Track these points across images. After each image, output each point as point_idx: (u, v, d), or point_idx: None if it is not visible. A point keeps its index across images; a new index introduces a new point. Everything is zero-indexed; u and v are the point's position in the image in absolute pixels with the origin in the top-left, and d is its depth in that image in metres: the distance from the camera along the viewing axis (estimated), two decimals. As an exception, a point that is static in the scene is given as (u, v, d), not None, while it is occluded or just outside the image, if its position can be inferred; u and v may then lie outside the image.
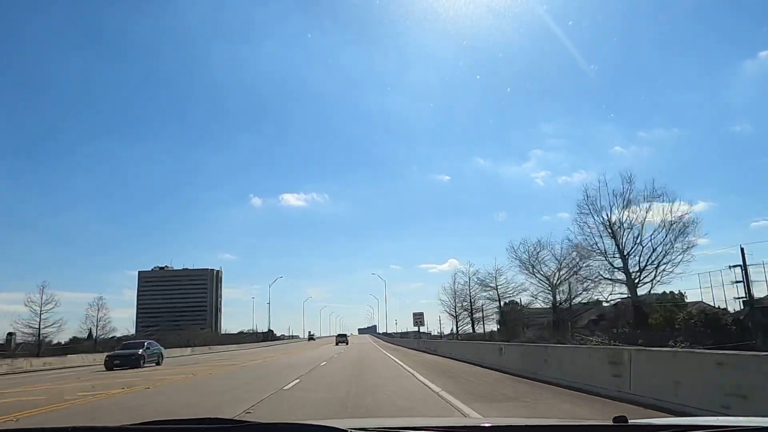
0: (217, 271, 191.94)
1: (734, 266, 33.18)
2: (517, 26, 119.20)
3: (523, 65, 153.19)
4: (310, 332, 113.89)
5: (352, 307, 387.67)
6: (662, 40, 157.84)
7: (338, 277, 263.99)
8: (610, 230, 32.93)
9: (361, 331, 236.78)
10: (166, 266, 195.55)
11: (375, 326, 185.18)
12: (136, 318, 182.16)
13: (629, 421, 2.06)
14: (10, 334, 56.82)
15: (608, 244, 33.33)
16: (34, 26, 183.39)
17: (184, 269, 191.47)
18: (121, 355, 27.20)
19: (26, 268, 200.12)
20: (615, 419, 2.07)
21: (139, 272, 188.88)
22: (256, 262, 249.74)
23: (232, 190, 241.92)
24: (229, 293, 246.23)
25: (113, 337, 65.40)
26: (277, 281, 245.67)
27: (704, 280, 36.99)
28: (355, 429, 1.90)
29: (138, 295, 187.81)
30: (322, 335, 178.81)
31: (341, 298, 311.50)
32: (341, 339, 68.61)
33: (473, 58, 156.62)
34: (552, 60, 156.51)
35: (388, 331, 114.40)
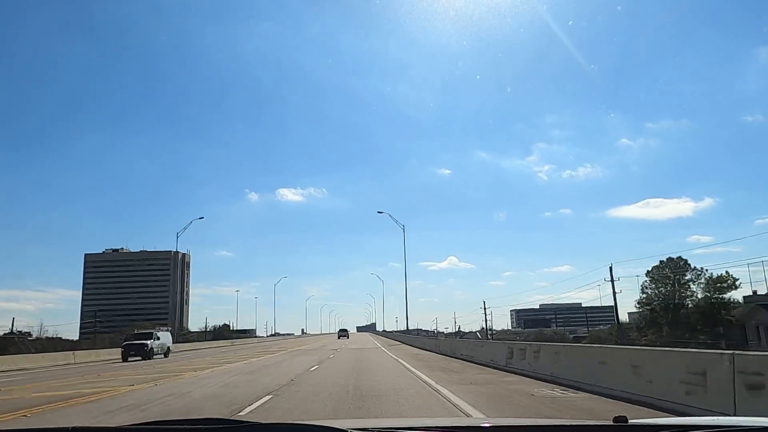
0: (184, 255, 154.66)
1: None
2: (518, 26, 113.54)
3: (528, 56, 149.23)
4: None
5: (350, 306, 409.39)
6: (672, 29, 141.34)
7: (337, 274, 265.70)
8: None
9: (359, 329, 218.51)
10: (121, 248, 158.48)
11: (374, 324, 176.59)
12: (81, 313, 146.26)
13: (629, 420, 2.02)
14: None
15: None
16: (22, 11, 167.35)
17: (141, 251, 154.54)
18: None
19: (19, 266, 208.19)
20: (615, 419, 2.03)
21: (85, 255, 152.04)
22: (253, 259, 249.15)
23: (227, 185, 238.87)
24: (225, 291, 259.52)
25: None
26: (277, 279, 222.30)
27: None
28: (355, 429, 1.86)
29: (84, 285, 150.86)
30: (310, 332, 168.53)
31: (340, 296, 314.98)
32: (342, 333, 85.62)
33: (477, 42, 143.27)
34: (557, 51, 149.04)
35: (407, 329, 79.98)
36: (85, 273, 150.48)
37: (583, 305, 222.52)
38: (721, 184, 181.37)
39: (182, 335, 73.23)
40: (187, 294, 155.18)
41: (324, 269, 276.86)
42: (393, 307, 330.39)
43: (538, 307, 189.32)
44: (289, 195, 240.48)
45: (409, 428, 2.03)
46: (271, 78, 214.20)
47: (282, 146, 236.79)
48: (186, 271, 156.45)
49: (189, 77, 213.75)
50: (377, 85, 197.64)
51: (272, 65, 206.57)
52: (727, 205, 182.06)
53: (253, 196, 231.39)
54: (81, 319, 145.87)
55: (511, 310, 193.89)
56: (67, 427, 1.76)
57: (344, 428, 1.81)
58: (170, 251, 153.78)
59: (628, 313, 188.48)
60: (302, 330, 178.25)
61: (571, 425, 2.12)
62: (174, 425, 1.98)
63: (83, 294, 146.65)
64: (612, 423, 2.00)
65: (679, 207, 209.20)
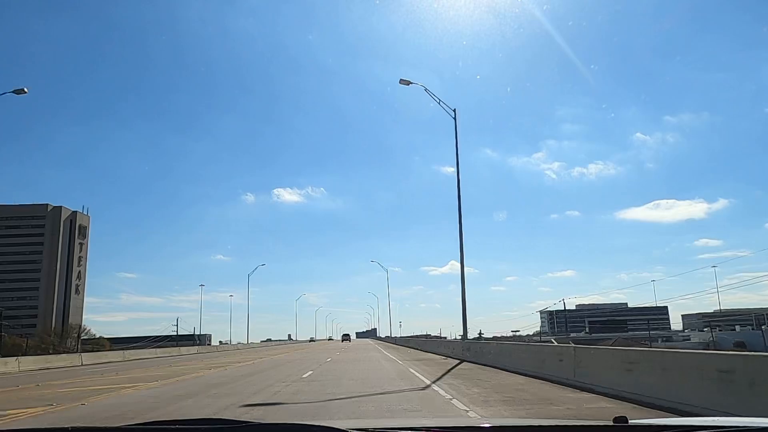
0: (74, 214, 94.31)
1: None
2: (517, 26, 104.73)
3: (538, 47, 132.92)
4: None
5: (350, 312, 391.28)
6: (694, 13, 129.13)
7: (336, 280, 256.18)
8: None
9: (359, 335, 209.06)
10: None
11: (375, 329, 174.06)
12: None
13: (629, 421, 2.04)
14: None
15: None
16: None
17: (1, 206, 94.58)
18: None
19: None
20: (615, 419, 2.05)
21: None
22: (250, 263, 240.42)
23: (221, 185, 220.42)
24: (222, 297, 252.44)
25: None
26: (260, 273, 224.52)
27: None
28: (354, 429, 1.89)
29: None
30: (299, 339, 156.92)
31: (339, 302, 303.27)
32: (346, 337, 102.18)
33: (480, 35, 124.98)
34: (571, 39, 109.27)
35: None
36: None
37: (630, 305, 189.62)
38: (738, 183, 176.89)
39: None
40: (80, 278, 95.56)
41: (322, 274, 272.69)
42: (393, 313, 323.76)
43: (575, 307, 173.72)
44: (286, 195, 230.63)
45: (409, 428, 2.00)
46: (261, 61, 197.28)
47: (277, 141, 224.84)
48: (80, 242, 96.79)
49: (175, 64, 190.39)
50: (378, 67, 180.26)
51: (267, 52, 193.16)
52: (741, 207, 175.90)
53: (249, 197, 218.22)
54: None
55: (540, 311, 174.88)
56: (67, 427, 1.75)
57: (344, 428, 1.81)
58: (45, 204, 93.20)
59: (682, 316, 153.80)
60: (288, 336, 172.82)
61: (571, 425, 2.10)
62: (174, 425, 1.96)
63: None
64: (612, 423, 1.98)
65: (691, 209, 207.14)
